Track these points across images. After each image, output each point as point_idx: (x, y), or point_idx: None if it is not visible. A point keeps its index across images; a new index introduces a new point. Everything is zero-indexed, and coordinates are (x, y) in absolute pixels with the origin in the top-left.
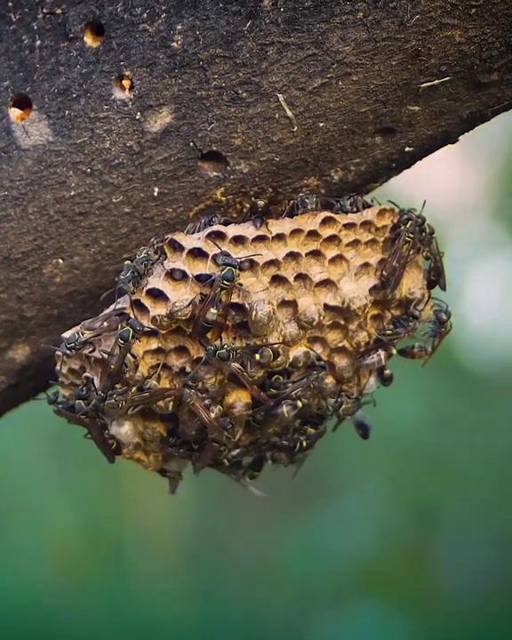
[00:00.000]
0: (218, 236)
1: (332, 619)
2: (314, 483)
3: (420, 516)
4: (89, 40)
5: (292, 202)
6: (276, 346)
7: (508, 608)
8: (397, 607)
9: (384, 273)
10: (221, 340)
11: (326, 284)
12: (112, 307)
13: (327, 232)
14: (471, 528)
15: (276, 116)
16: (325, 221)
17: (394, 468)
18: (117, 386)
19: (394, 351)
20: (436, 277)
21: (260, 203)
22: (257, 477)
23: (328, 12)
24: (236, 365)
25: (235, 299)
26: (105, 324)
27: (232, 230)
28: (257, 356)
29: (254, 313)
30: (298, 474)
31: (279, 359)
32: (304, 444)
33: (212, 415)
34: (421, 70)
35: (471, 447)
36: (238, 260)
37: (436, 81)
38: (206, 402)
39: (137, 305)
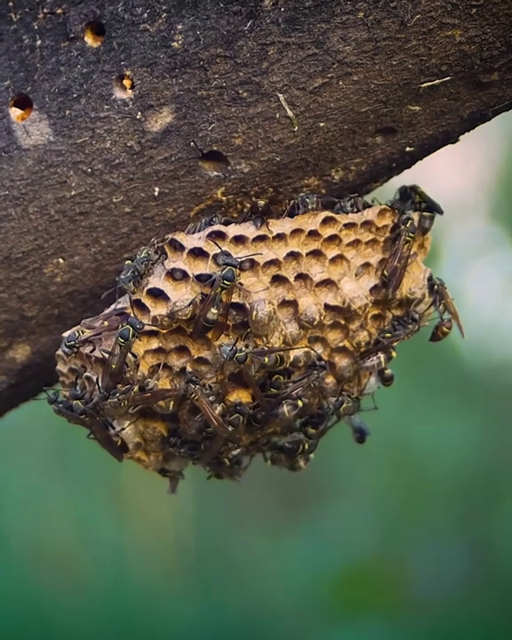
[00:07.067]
0: (218, 236)
1: (331, 620)
2: (312, 485)
3: (414, 521)
4: (89, 40)
5: (292, 201)
6: (282, 353)
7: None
8: (391, 611)
9: (385, 273)
10: (235, 343)
11: (327, 283)
12: (112, 306)
13: (328, 232)
14: (448, 536)
15: (277, 115)
16: (326, 221)
17: (388, 471)
18: (118, 385)
19: (394, 353)
20: (430, 211)
21: (261, 202)
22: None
23: (329, 12)
24: (245, 368)
25: (235, 298)
26: (105, 323)
27: (232, 230)
28: (265, 359)
29: (255, 313)
30: (304, 471)
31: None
32: (307, 446)
33: (216, 411)
34: (422, 70)
35: (461, 447)
36: (239, 260)
37: (437, 81)
38: (210, 398)
39: (137, 304)
